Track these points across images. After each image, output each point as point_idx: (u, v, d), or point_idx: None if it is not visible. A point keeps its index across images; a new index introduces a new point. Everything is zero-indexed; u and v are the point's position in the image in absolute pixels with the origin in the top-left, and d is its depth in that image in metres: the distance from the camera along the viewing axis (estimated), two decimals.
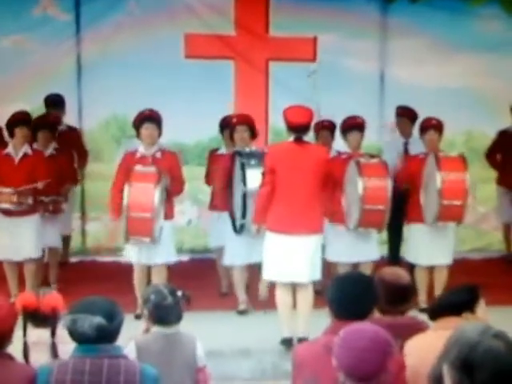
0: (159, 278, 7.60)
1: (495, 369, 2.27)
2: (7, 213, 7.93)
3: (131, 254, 7.71)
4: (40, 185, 7.92)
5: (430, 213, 7.74)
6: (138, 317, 7.16)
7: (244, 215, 7.58)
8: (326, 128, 8.59)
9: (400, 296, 4.45)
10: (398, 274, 4.57)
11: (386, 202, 7.50)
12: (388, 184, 7.55)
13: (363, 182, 7.44)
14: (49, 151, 8.59)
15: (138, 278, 7.74)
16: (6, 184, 7.86)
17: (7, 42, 9.85)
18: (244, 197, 7.57)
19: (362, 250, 7.86)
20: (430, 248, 7.96)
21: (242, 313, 7.96)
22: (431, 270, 8.11)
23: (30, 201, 7.88)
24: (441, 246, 8.00)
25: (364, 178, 7.45)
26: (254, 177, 7.40)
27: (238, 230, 7.76)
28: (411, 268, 7.81)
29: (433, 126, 8.04)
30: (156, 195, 7.31)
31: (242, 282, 8.08)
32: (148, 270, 7.81)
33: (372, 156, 7.99)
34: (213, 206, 8.53)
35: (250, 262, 7.86)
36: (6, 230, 8.00)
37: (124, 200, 7.32)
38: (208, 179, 8.73)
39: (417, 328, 4.27)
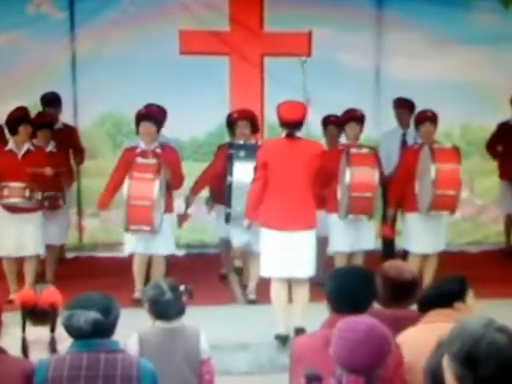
0: (158, 269, 7.77)
1: (500, 362, 2.25)
2: (12, 209, 7.90)
3: (130, 245, 7.79)
4: (48, 171, 7.94)
5: (423, 202, 7.83)
6: (135, 301, 7.23)
7: (229, 205, 7.62)
8: (333, 123, 8.62)
9: (405, 292, 4.40)
10: (402, 269, 4.52)
11: (374, 190, 7.69)
12: (376, 173, 7.70)
13: (351, 171, 7.60)
14: (48, 149, 8.55)
15: (137, 267, 7.83)
16: (10, 180, 7.83)
17: (1, 39, 9.83)
18: (229, 187, 7.58)
19: (357, 239, 7.98)
20: (423, 237, 8.03)
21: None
22: (424, 258, 8.15)
23: (39, 196, 7.89)
24: (434, 236, 8.07)
25: (352, 168, 7.61)
26: (242, 168, 7.46)
27: (225, 219, 7.80)
28: (404, 257, 7.96)
29: (428, 119, 8.11)
30: (156, 185, 7.39)
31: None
32: (148, 260, 7.89)
33: (367, 147, 8.04)
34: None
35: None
36: (11, 227, 7.97)
37: (124, 191, 7.42)
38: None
39: (418, 321, 4.17)
